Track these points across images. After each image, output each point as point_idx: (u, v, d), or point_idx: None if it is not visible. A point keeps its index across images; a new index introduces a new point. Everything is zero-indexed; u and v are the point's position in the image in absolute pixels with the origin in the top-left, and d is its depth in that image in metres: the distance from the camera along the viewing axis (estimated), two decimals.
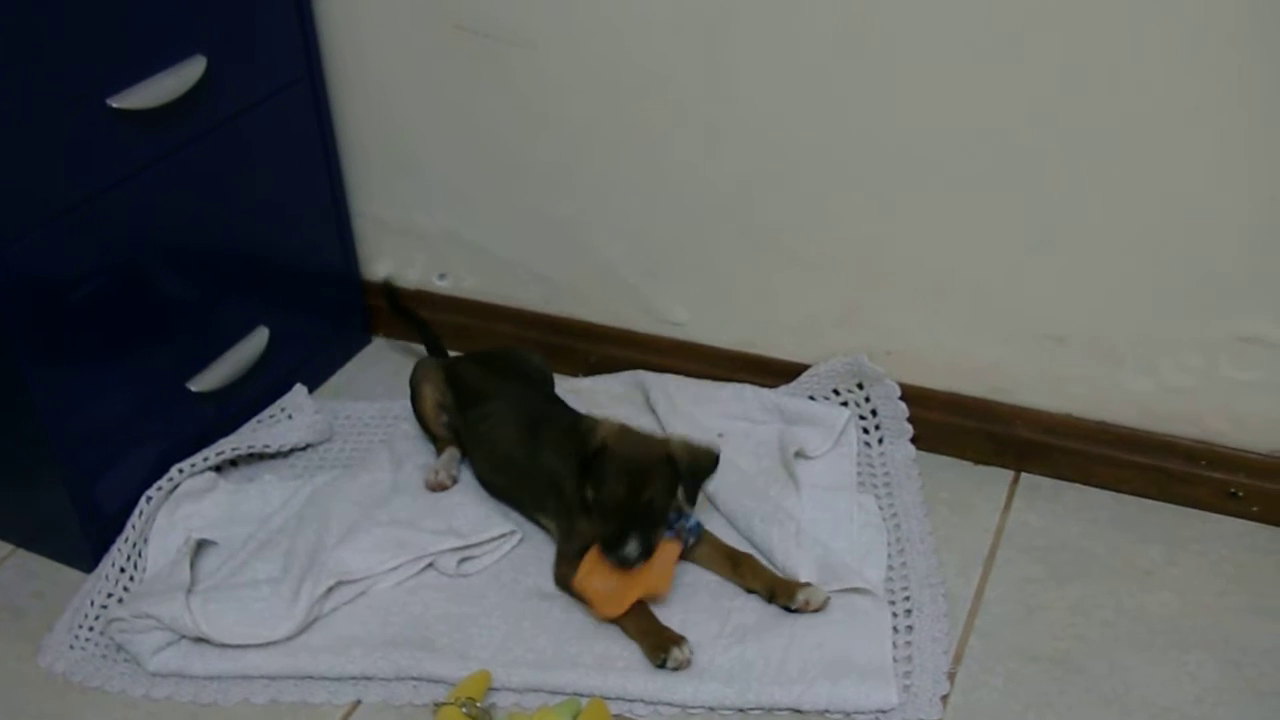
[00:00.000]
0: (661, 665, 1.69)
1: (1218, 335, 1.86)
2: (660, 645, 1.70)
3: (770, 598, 1.79)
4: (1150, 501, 1.99)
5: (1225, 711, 1.64)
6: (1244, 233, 1.78)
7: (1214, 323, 1.86)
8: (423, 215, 2.34)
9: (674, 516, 1.81)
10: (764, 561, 1.85)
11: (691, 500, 1.81)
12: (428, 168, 2.28)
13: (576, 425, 1.87)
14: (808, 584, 1.77)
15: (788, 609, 1.76)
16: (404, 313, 2.33)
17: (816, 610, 1.75)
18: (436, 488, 2.02)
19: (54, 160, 1.76)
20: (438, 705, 1.64)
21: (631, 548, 1.72)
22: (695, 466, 1.79)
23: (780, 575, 1.81)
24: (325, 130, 2.25)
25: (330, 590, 1.81)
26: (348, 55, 2.22)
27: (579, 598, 1.79)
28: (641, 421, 2.13)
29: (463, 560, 1.88)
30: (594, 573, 1.77)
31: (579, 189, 2.18)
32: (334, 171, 2.30)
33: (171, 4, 1.89)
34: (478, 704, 1.62)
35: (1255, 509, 1.94)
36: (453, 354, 2.29)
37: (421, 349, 2.34)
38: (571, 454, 1.81)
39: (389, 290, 2.34)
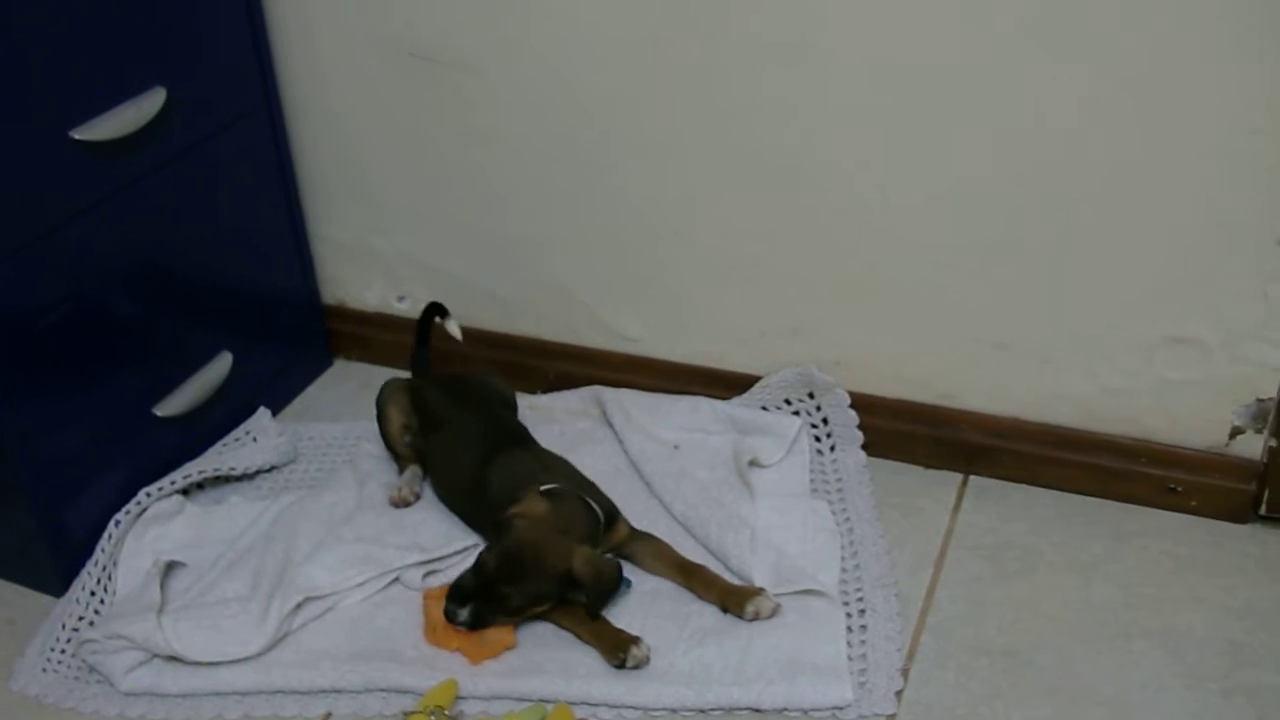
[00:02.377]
0: (621, 665, 1.73)
1: (1152, 337, 1.92)
2: (618, 646, 1.74)
3: (723, 608, 1.82)
4: (1093, 499, 2.04)
5: (1167, 698, 1.69)
6: (1174, 239, 1.84)
7: (1148, 326, 1.92)
8: (380, 239, 2.38)
9: None
10: (717, 571, 1.88)
11: (595, 613, 1.79)
12: (384, 193, 2.32)
13: (516, 479, 1.89)
14: (759, 593, 1.80)
15: (740, 618, 1.80)
16: (423, 338, 2.28)
17: (768, 618, 1.79)
18: (400, 504, 2.06)
19: (18, 192, 1.79)
20: (406, 715, 1.67)
21: (462, 614, 1.75)
22: (598, 582, 1.78)
23: (732, 585, 1.84)
24: (283, 158, 2.29)
25: (299, 606, 1.84)
26: (304, 84, 2.25)
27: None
28: (599, 434, 2.18)
29: (428, 574, 1.91)
30: (439, 599, 1.80)
31: (531, 210, 2.21)
32: (292, 198, 2.33)
33: (131, 37, 1.92)
34: (446, 712, 1.65)
35: (1193, 503, 2.00)
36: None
37: (384, 371, 2.37)
38: (501, 503, 1.85)
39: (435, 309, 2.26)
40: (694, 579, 1.86)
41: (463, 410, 2.08)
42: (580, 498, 1.87)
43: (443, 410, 2.09)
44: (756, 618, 1.79)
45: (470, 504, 2.00)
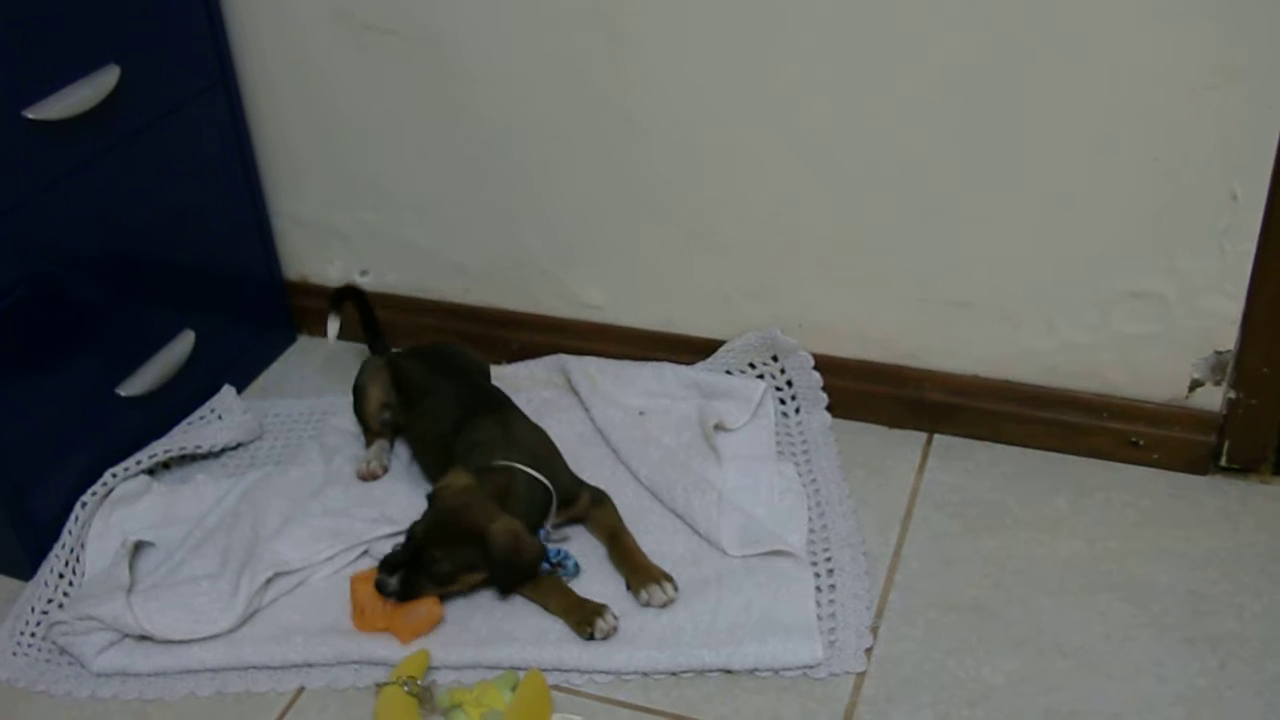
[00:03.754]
0: (590, 637, 1.74)
1: (1111, 293, 1.94)
2: (585, 619, 1.75)
3: (628, 585, 1.83)
4: (1056, 454, 2.07)
5: (1132, 646, 1.72)
6: (1131, 195, 1.85)
7: (1106, 281, 1.93)
8: (341, 213, 2.37)
9: (553, 552, 1.85)
10: (679, 536, 1.91)
11: (504, 589, 1.81)
12: (343, 166, 2.31)
13: (479, 449, 1.89)
14: (657, 581, 1.80)
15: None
16: (363, 310, 2.28)
17: (661, 607, 1.79)
18: (368, 477, 2.06)
19: None
20: (379, 686, 1.68)
21: (391, 582, 1.75)
22: (512, 556, 1.76)
23: (642, 564, 1.84)
24: (241, 134, 2.28)
25: (269, 582, 1.84)
26: (260, 59, 2.24)
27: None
28: (564, 402, 2.19)
29: (396, 547, 1.91)
30: (368, 580, 1.79)
31: (492, 179, 2.21)
32: (251, 174, 2.32)
33: (84, 14, 1.90)
34: (418, 682, 1.66)
35: (1155, 456, 2.02)
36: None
37: (348, 346, 2.38)
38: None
39: (346, 292, 2.27)
40: (614, 547, 1.87)
41: (441, 380, 2.08)
42: (525, 473, 1.86)
43: (422, 382, 2.09)
44: (647, 605, 1.79)
45: (442, 472, 2.00)
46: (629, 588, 1.82)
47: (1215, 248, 1.85)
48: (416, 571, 1.76)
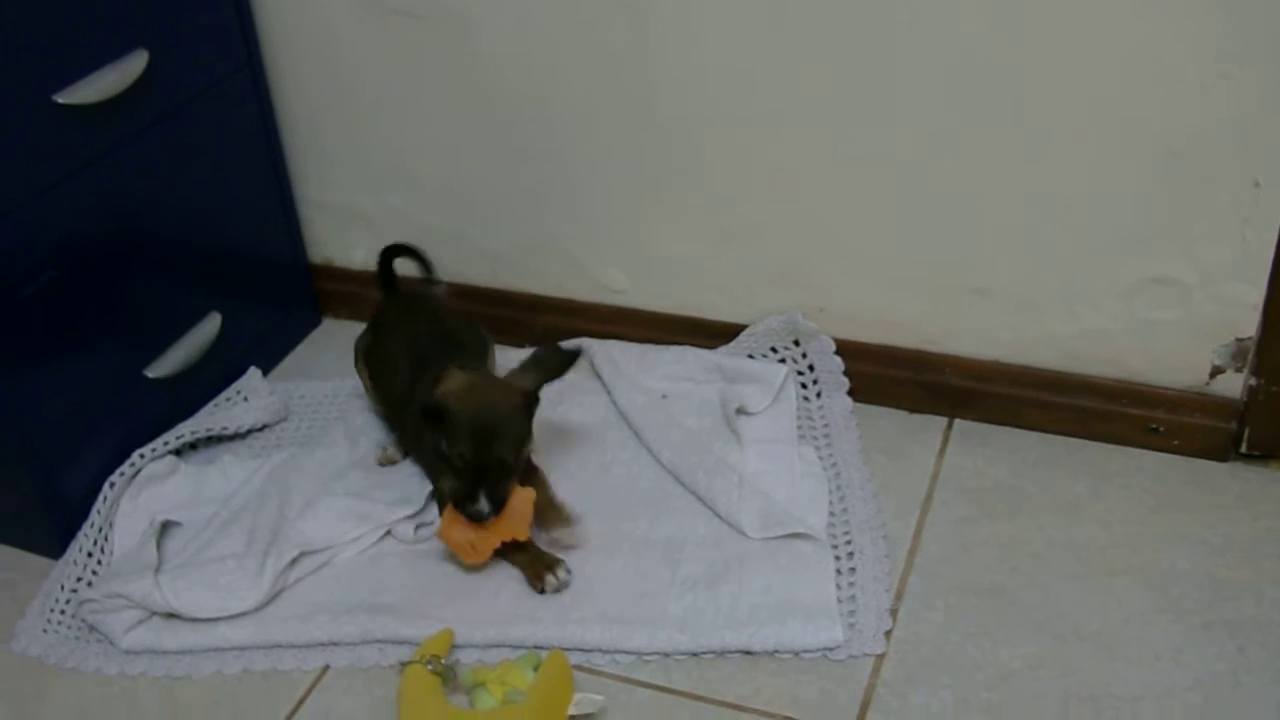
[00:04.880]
0: (541, 591, 1.79)
1: (1131, 278, 1.94)
2: (538, 575, 1.80)
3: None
4: (1076, 440, 2.07)
5: (1151, 631, 1.72)
6: (1153, 181, 1.85)
7: (1126, 267, 1.94)
8: (366, 197, 2.38)
9: None
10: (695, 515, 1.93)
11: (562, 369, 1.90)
12: (368, 150, 2.33)
13: (435, 373, 1.87)
14: (553, 568, 1.82)
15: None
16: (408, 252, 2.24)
17: (551, 593, 1.81)
18: (386, 463, 2.08)
19: (2, 157, 1.79)
20: (403, 665, 1.70)
21: (482, 504, 1.75)
22: (552, 367, 1.86)
23: (543, 555, 1.85)
24: (267, 117, 2.29)
25: (294, 561, 1.86)
26: (286, 43, 2.26)
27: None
28: (587, 385, 2.21)
29: (419, 526, 1.94)
30: (453, 524, 1.80)
31: (516, 164, 2.22)
32: (277, 157, 2.34)
33: (112, 0, 1.92)
34: (442, 660, 1.68)
35: (1175, 442, 2.02)
36: None
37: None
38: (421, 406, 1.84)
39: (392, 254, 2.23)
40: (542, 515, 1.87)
41: (404, 319, 2.09)
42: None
43: (386, 323, 2.11)
44: (542, 590, 1.82)
45: (397, 416, 2.05)
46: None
47: (1237, 234, 1.85)
48: (490, 480, 1.76)
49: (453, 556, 1.85)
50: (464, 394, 1.79)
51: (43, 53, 1.83)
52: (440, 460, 1.83)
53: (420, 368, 1.95)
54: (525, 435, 1.81)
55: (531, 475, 1.90)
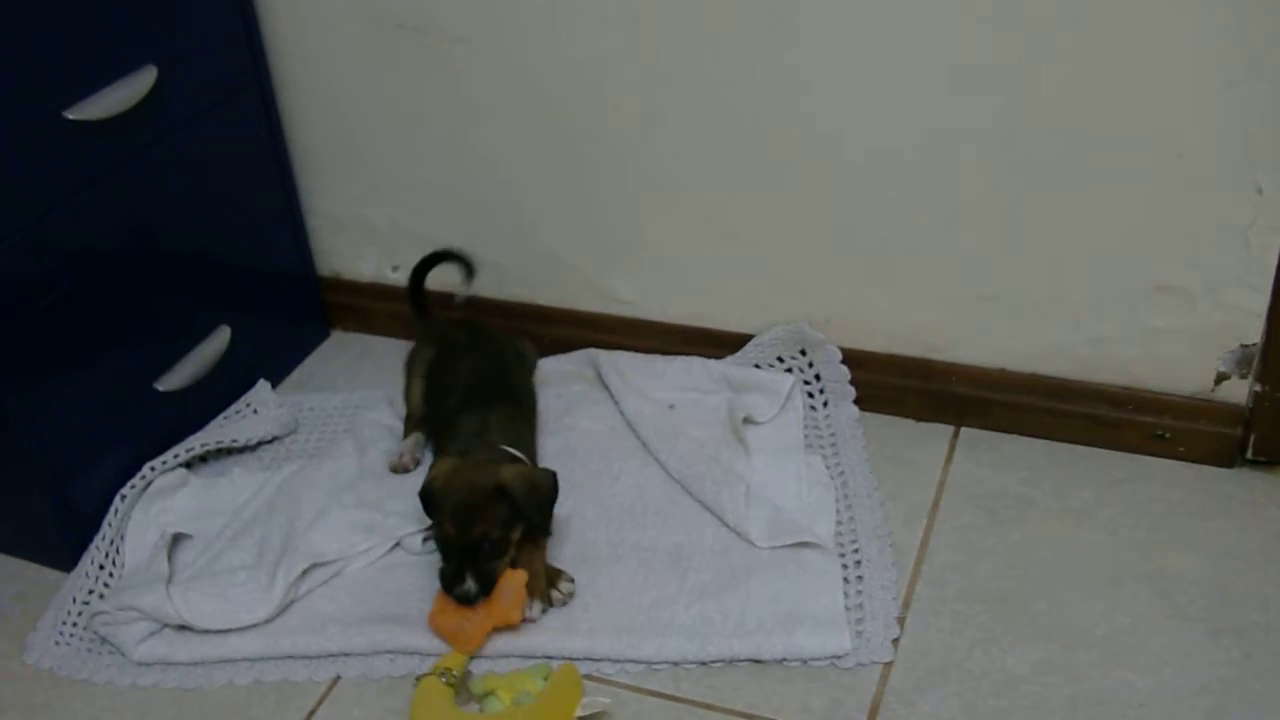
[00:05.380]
0: (544, 611, 1.80)
1: (1137, 287, 1.95)
2: (542, 594, 1.80)
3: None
4: (1082, 447, 2.08)
5: (1157, 637, 1.73)
6: (1157, 189, 1.86)
7: (1133, 275, 1.94)
8: (373, 210, 2.40)
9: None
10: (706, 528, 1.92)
11: (545, 524, 1.84)
12: (376, 163, 2.34)
13: (456, 440, 1.93)
14: (559, 584, 1.82)
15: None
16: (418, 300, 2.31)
17: (533, 620, 1.79)
18: (399, 469, 2.09)
19: (15, 172, 1.81)
20: (418, 678, 1.70)
21: (469, 585, 1.73)
22: (533, 492, 1.79)
23: (543, 572, 1.83)
24: (275, 132, 2.31)
25: (305, 573, 1.87)
26: (294, 58, 2.27)
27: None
28: (595, 396, 2.22)
29: (427, 539, 1.94)
30: (443, 611, 1.77)
31: (522, 176, 2.24)
32: (285, 171, 2.35)
33: (122, 16, 1.94)
34: (455, 674, 1.69)
35: (1181, 449, 2.03)
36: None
37: (381, 341, 2.43)
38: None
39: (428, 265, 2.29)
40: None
41: (459, 367, 2.11)
42: (499, 449, 1.89)
43: (445, 365, 2.14)
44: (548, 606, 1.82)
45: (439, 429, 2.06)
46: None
47: (1241, 242, 1.86)
48: (477, 561, 1.75)
49: None
50: (448, 477, 1.80)
51: (54, 70, 1.84)
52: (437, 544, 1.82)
53: (466, 402, 2.01)
54: (512, 516, 1.77)
55: (531, 550, 1.85)
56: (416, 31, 2.15)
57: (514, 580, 1.78)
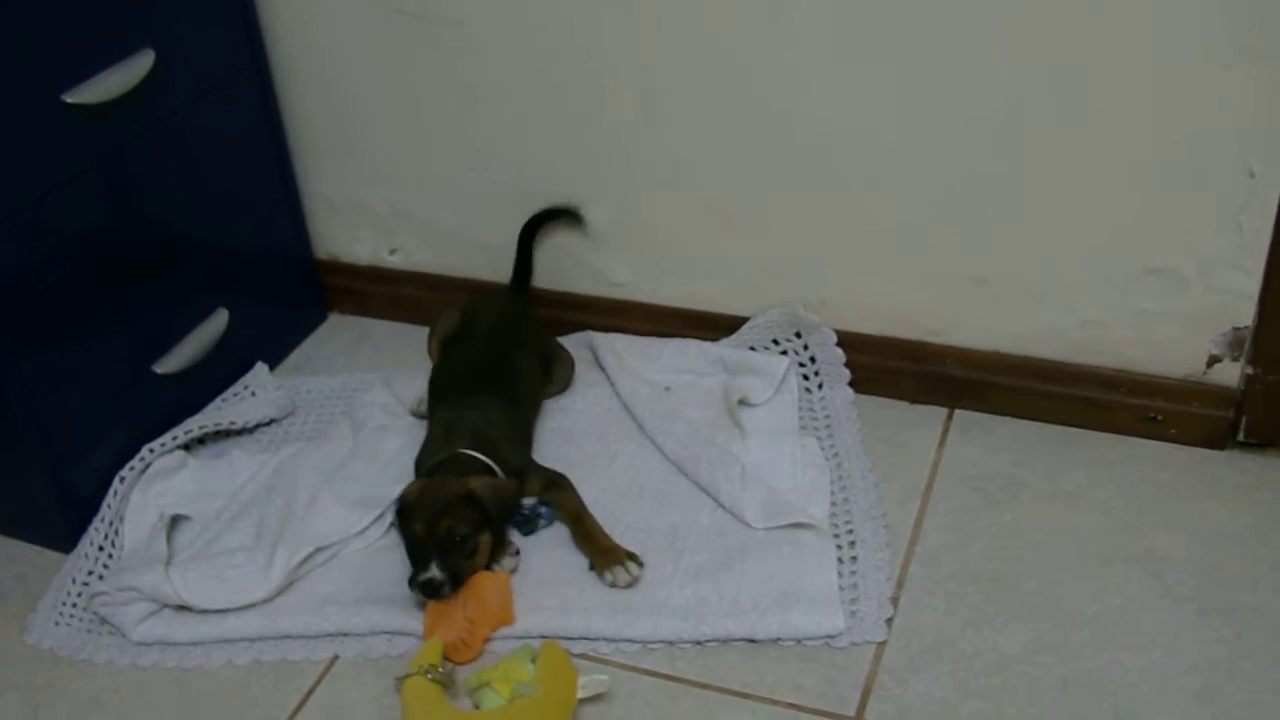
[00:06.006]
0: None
1: (1130, 270, 1.96)
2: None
3: (590, 565, 1.85)
4: (1075, 429, 2.09)
5: (1148, 617, 1.74)
6: (1149, 172, 1.87)
7: (1126, 258, 1.95)
8: (370, 193, 2.40)
9: (522, 518, 1.91)
10: (701, 508, 1.95)
11: (497, 531, 1.84)
12: (372, 146, 2.35)
13: (437, 427, 1.97)
14: (625, 561, 1.82)
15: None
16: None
17: (626, 588, 1.81)
18: (418, 415, 2.15)
19: (14, 156, 1.82)
20: (400, 680, 1.67)
21: (434, 572, 1.73)
22: (501, 499, 1.83)
23: (605, 544, 1.86)
24: (272, 115, 2.31)
25: (308, 557, 1.88)
26: (291, 41, 2.28)
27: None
28: (591, 378, 2.24)
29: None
30: (435, 626, 1.75)
31: (518, 160, 2.24)
32: (282, 154, 2.36)
33: (119, 0, 1.94)
34: (439, 669, 1.66)
35: (1173, 431, 2.04)
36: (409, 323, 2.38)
37: (378, 324, 2.44)
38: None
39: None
40: (578, 529, 1.89)
41: (463, 344, 2.13)
42: (464, 454, 1.89)
43: (456, 337, 2.16)
44: (613, 586, 1.81)
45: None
46: (592, 568, 1.85)
47: (1233, 225, 1.87)
48: (444, 555, 1.75)
49: None
50: (419, 491, 1.81)
51: (51, 53, 1.85)
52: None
53: (478, 372, 2.06)
54: (480, 520, 1.79)
55: (579, 524, 1.90)
56: (414, 16, 2.15)
57: (498, 582, 1.80)
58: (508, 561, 1.85)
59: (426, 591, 1.74)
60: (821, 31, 1.93)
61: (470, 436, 1.93)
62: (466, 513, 1.78)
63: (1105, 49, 1.80)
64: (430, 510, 1.77)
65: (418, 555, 1.78)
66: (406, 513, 1.80)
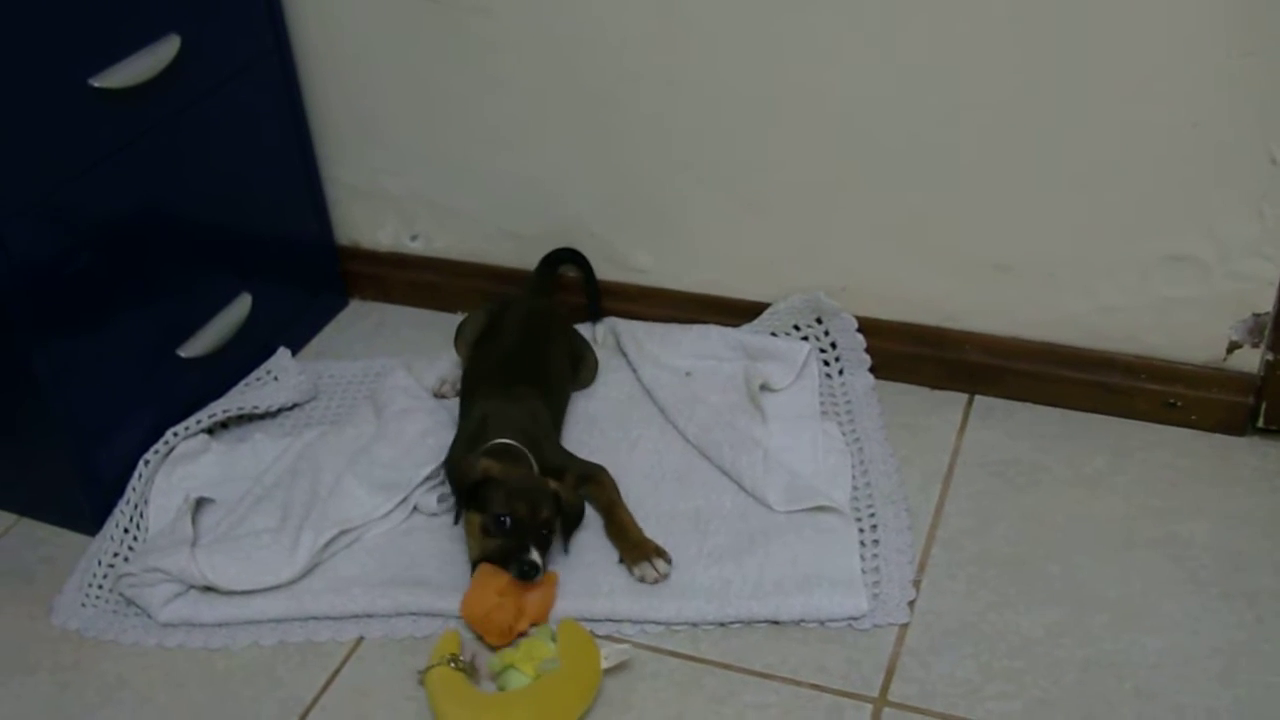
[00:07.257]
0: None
1: (1150, 256, 1.96)
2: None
3: (620, 558, 1.86)
4: (1096, 415, 2.09)
5: (1169, 600, 1.75)
6: (1171, 159, 1.88)
7: (1146, 244, 1.96)
8: (392, 179, 2.41)
9: None
10: (725, 494, 1.95)
11: (565, 544, 1.87)
12: (395, 133, 2.36)
13: (465, 456, 1.90)
14: (653, 557, 1.82)
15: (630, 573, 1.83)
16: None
17: (653, 583, 1.81)
18: (440, 395, 2.18)
19: (42, 140, 1.83)
20: (422, 672, 1.68)
21: (535, 556, 1.74)
22: (571, 513, 1.86)
23: (635, 539, 1.86)
24: (295, 101, 2.33)
25: (333, 540, 1.89)
26: (314, 27, 2.29)
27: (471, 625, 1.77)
28: (613, 364, 2.25)
29: (442, 498, 1.97)
30: (480, 600, 1.74)
31: (541, 146, 2.25)
32: (305, 140, 2.37)
33: None
34: (460, 658, 1.67)
35: (1193, 417, 2.04)
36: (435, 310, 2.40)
37: (399, 310, 2.46)
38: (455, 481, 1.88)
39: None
40: (610, 522, 1.90)
41: (494, 342, 2.13)
42: (523, 452, 1.90)
43: (486, 334, 2.17)
44: (642, 581, 1.81)
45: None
46: (621, 562, 1.85)
47: (1254, 211, 1.87)
48: (541, 543, 1.77)
49: None
50: (500, 470, 1.81)
51: (78, 38, 1.86)
52: (481, 534, 1.81)
53: (512, 367, 2.06)
54: (553, 525, 1.82)
55: (611, 517, 1.91)
56: (441, 2, 2.16)
57: (551, 580, 1.81)
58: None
59: (526, 572, 1.74)
60: (846, 19, 1.94)
61: (511, 428, 1.93)
62: (554, 509, 1.81)
63: (1126, 35, 1.81)
64: (532, 496, 1.79)
65: (517, 536, 1.77)
66: (499, 488, 1.79)
